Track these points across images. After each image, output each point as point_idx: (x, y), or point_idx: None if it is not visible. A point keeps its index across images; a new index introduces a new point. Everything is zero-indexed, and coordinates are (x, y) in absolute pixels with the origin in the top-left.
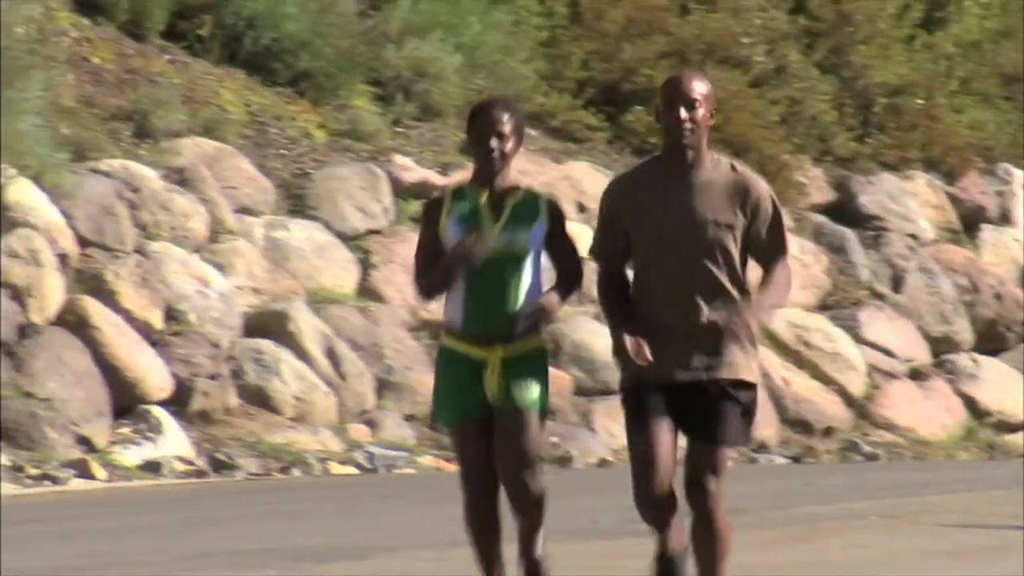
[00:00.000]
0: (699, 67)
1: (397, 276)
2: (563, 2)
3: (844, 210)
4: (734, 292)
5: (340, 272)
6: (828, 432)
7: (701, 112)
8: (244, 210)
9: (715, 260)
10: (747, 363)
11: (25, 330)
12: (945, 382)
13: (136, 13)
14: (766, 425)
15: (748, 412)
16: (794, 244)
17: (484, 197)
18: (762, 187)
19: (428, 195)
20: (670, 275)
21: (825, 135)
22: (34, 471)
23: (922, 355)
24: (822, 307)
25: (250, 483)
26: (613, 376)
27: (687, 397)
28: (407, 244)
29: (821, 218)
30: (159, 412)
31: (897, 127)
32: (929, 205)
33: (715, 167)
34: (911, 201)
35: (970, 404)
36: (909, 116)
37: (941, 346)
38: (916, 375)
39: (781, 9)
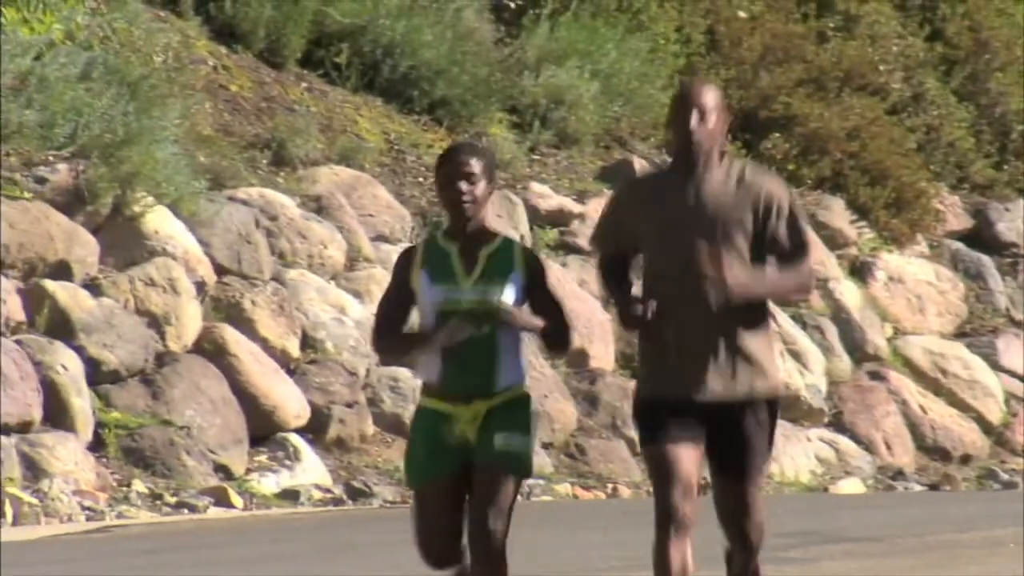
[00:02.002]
0: (834, 94)
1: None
2: (700, 29)
3: (981, 237)
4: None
5: None
6: (965, 459)
7: (711, 121)
8: (381, 238)
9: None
10: (769, 378)
11: (163, 358)
12: None
13: (273, 41)
14: (903, 452)
15: (771, 429)
16: (931, 271)
17: (457, 247)
18: (775, 187)
19: (566, 223)
20: (680, 284)
21: (962, 162)
22: (172, 499)
23: None
24: (959, 334)
25: (387, 511)
26: None
27: (708, 414)
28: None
29: (958, 245)
30: (296, 440)
31: None
32: None
33: (726, 172)
34: None
35: None
36: None
37: None
38: None
39: (918, 36)
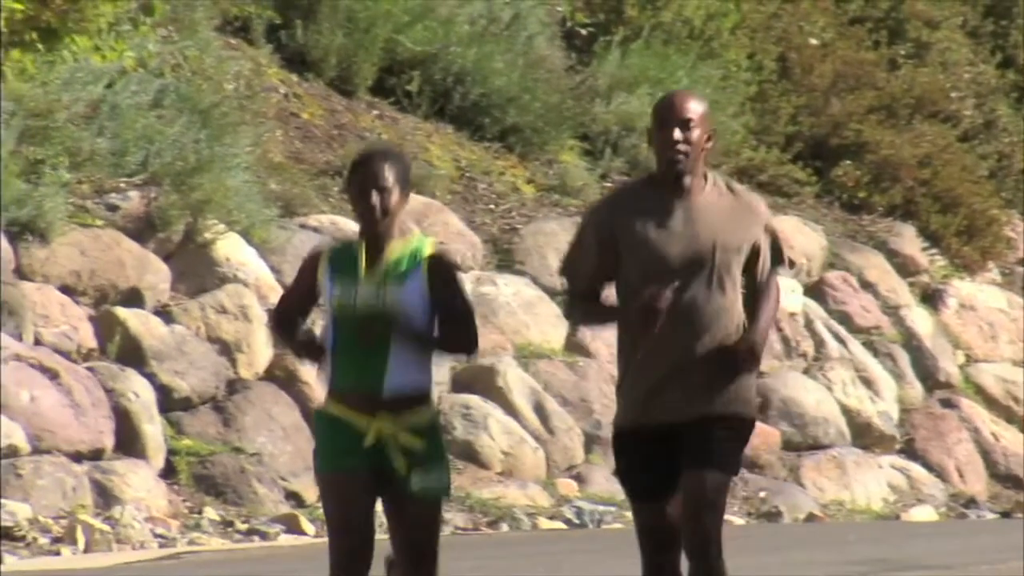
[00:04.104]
0: (906, 121)
1: (605, 331)
2: (772, 57)
3: None
4: (735, 318)
5: (548, 327)
6: None
7: (696, 133)
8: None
9: (719, 287)
10: (747, 396)
11: (234, 385)
12: None
13: (344, 69)
14: (975, 480)
15: (743, 442)
16: (1003, 298)
17: (363, 251)
18: (763, 207)
19: None
20: (671, 305)
21: None
22: (243, 526)
23: None
24: None
25: (458, 538)
26: (821, 431)
27: (683, 432)
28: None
29: None
30: None
31: None
32: None
33: (713, 189)
34: None
35: None
36: None
37: None
38: None
39: (990, 63)
